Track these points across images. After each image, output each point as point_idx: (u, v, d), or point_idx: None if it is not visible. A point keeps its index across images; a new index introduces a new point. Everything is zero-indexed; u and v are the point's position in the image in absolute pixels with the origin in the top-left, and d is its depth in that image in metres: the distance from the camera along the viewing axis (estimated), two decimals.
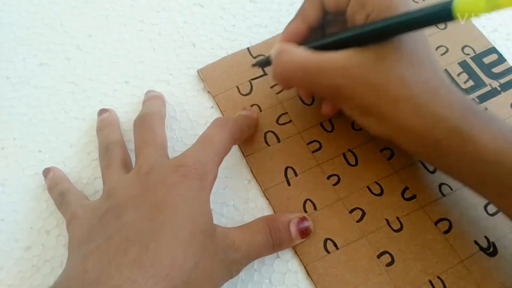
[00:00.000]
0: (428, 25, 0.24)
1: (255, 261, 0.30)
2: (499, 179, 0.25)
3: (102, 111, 0.34)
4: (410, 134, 0.26)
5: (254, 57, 0.37)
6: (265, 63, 0.32)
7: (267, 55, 0.36)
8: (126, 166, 0.31)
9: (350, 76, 0.26)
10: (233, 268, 0.27)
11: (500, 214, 0.30)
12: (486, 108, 0.33)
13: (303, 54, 0.28)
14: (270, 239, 0.28)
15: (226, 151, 0.29)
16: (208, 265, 0.24)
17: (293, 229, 0.29)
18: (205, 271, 0.24)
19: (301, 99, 0.35)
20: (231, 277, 0.27)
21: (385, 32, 0.26)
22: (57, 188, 0.31)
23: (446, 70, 0.36)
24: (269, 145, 0.33)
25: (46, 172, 0.32)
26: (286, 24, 0.30)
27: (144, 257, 0.22)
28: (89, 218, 0.27)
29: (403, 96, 0.25)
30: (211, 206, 0.31)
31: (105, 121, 0.34)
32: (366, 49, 0.26)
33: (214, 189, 0.32)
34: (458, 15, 0.22)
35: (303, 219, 0.30)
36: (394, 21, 0.25)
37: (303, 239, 0.30)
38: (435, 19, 0.24)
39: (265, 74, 0.36)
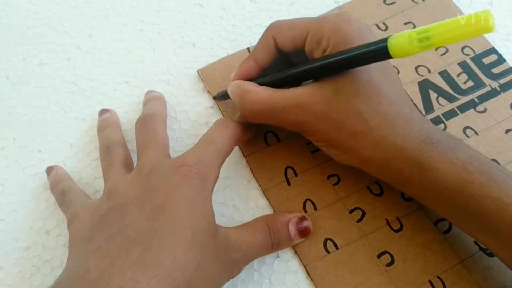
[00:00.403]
0: (369, 62, 0.25)
1: (255, 261, 0.30)
2: (461, 207, 0.25)
3: (103, 111, 0.34)
4: (372, 165, 0.28)
5: None
6: (225, 96, 0.32)
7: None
8: (128, 166, 0.31)
9: (311, 113, 0.27)
10: (234, 268, 0.27)
11: None
12: (445, 129, 0.34)
13: (265, 94, 0.29)
14: (269, 238, 0.28)
15: (228, 152, 0.29)
16: (210, 265, 0.24)
17: (292, 228, 0.29)
18: (207, 271, 0.24)
19: None
20: (232, 277, 0.27)
21: (335, 67, 0.27)
22: (59, 186, 0.31)
23: (446, 70, 0.36)
24: (269, 145, 0.33)
25: (49, 170, 0.32)
26: (240, 63, 0.31)
27: (147, 258, 0.22)
28: (90, 217, 0.27)
29: (360, 131, 0.26)
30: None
31: (106, 121, 0.34)
32: (324, 83, 0.27)
33: (214, 189, 0.32)
34: (393, 53, 0.23)
35: (302, 218, 0.30)
36: (339, 58, 0.26)
37: (303, 239, 0.30)
38: (373, 57, 0.24)
39: None
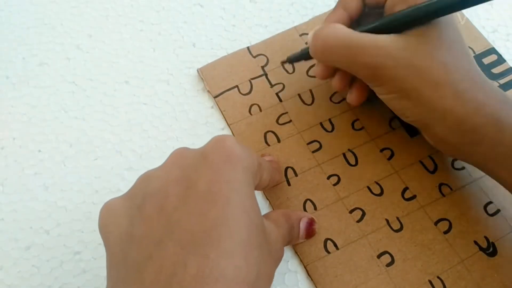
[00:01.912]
0: (470, 5, 0.25)
1: None
2: None
3: None
4: (449, 119, 0.26)
5: (254, 57, 0.37)
6: (301, 57, 0.32)
7: (267, 54, 0.36)
8: None
9: (392, 57, 0.26)
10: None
11: (500, 214, 0.30)
12: None
13: (346, 30, 0.28)
14: (287, 234, 0.27)
15: (265, 166, 0.26)
16: (268, 270, 0.23)
17: (302, 228, 0.29)
18: (266, 277, 0.22)
19: (301, 99, 0.35)
20: None
21: (427, 14, 0.26)
22: None
23: None
24: (269, 145, 0.33)
25: None
26: (328, 13, 0.30)
27: (207, 271, 0.19)
28: (125, 208, 0.23)
29: (445, 81, 0.26)
30: None
31: None
32: (409, 34, 0.26)
33: None
34: None
35: (312, 220, 0.30)
36: (438, 3, 0.25)
37: (306, 240, 0.30)
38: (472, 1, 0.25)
39: (265, 73, 0.36)
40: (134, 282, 0.20)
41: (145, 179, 0.24)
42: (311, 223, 0.29)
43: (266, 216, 0.27)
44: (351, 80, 0.31)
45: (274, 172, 0.28)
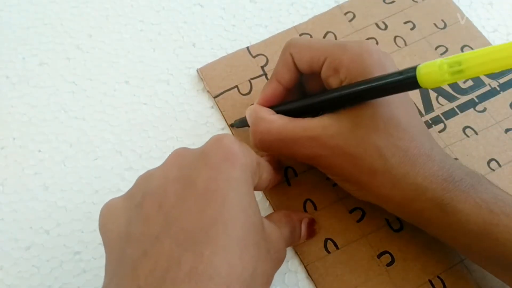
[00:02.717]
0: (395, 92, 0.24)
1: None
2: (486, 249, 0.24)
3: None
4: (391, 204, 0.26)
5: (254, 57, 0.37)
6: (243, 123, 0.32)
7: (267, 54, 0.37)
8: None
9: (327, 147, 0.26)
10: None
11: None
12: (445, 128, 0.33)
13: (279, 123, 0.27)
14: (290, 235, 0.27)
15: (256, 174, 0.26)
16: (265, 268, 0.22)
17: (303, 228, 0.29)
18: (263, 276, 0.22)
19: None
20: None
21: (357, 97, 0.25)
22: None
23: None
24: None
25: None
26: (263, 87, 0.30)
27: (200, 268, 0.19)
28: (124, 207, 0.23)
29: (379, 168, 0.25)
30: None
31: None
32: (342, 116, 0.26)
33: None
34: (422, 83, 0.21)
35: (313, 220, 0.30)
36: (362, 88, 0.25)
37: (305, 240, 0.30)
38: (400, 86, 0.23)
39: (265, 73, 0.36)
40: (129, 278, 0.20)
41: (145, 179, 0.24)
42: (311, 223, 0.29)
43: (268, 217, 0.28)
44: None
45: (274, 171, 0.28)
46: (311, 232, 0.29)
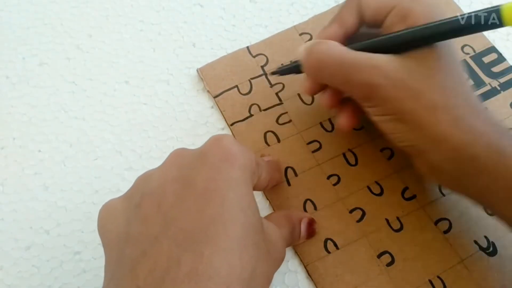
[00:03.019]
0: (474, 31, 0.24)
1: None
2: None
3: None
4: (445, 147, 0.25)
5: (254, 56, 0.37)
6: (289, 70, 0.30)
7: (267, 54, 0.36)
8: None
9: (389, 77, 0.25)
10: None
11: None
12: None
13: (340, 48, 0.27)
14: (289, 235, 0.27)
15: (255, 174, 0.25)
16: (264, 268, 0.22)
17: (303, 228, 0.29)
18: (263, 276, 0.22)
19: (301, 99, 0.35)
20: None
21: (427, 37, 0.25)
22: None
23: None
24: (269, 145, 0.33)
25: None
26: (321, 29, 0.29)
27: (200, 268, 0.19)
28: (123, 208, 0.23)
29: (442, 104, 0.25)
30: None
31: None
32: (407, 56, 0.26)
33: None
34: (507, 21, 0.22)
35: (313, 220, 0.30)
36: (441, 27, 0.25)
37: (305, 240, 0.30)
38: (481, 25, 0.23)
39: (265, 73, 0.36)
40: (128, 279, 0.20)
41: (144, 179, 0.24)
42: (311, 223, 0.29)
43: (267, 217, 0.27)
44: (342, 102, 0.30)
45: (273, 171, 0.28)
46: (311, 231, 0.29)
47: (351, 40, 0.29)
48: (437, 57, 0.25)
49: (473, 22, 0.24)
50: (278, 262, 0.25)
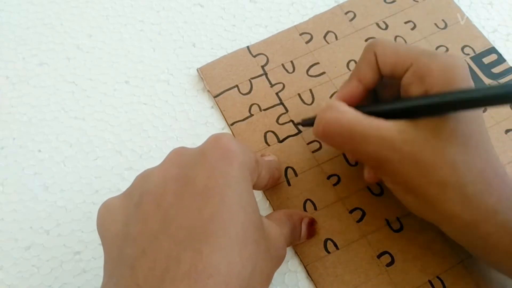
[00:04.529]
0: (490, 106, 0.23)
1: None
2: None
3: None
4: (457, 223, 0.25)
5: (254, 56, 0.37)
6: (311, 123, 0.29)
7: (267, 53, 0.36)
8: None
9: (398, 151, 0.24)
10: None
11: None
12: None
13: (351, 115, 0.26)
14: (290, 234, 0.27)
15: (263, 165, 0.26)
16: (264, 266, 0.22)
17: (304, 228, 0.29)
18: (263, 275, 0.22)
19: (301, 99, 0.35)
20: None
21: (443, 107, 0.24)
22: None
23: None
24: (269, 145, 0.33)
25: None
26: (341, 85, 0.29)
27: (200, 267, 0.19)
28: (122, 206, 0.23)
29: (453, 183, 0.24)
30: None
31: None
32: (419, 124, 0.24)
33: None
34: None
35: (313, 220, 0.30)
36: (454, 97, 0.23)
37: (305, 240, 0.30)
38: (498, 100, 0.22)
39: (265, 73, 0.36)
40: (127, 277, 0.20)
41: (143, 178, 0.24)
42: (312, 223, 0.29)
43: (268, 216, 0.28)
44: None
45: (273, 170, 0.28)
46: (311, 231, 0.29)
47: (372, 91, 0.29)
48: (452, 127, 0.24)
49: (486, 96, 0.22)
50: (278, 260, 0.25)
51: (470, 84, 0.24)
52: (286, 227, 0.27)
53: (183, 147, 0.25)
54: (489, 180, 0.24)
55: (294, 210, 0.30)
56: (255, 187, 0.26)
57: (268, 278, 0.23)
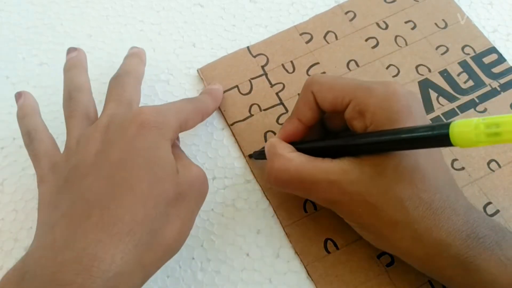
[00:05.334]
0: (424, 147, 0.23)
1: (255, 261, 0.30)
2: None
3: (70, 50, 0.33)
4: (411, 258, 0.26)
5: (254, 56, 0.37)
6: (262, 156, 0.30)
7: (267, 54, 0.36)
8: (89, 116, 0.30)
9: (346, 193, 0.25)
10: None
11: (499, 215, 0.30)
12: (487, 213, 0.31)
13: (297, 162, 0.26)
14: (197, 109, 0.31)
15: (189, 118, 0.29)
16: (175, 211, 0.25)
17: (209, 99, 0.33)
18: (172, 217, 0.25)
19: None
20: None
21: (383, 147, 0.24)
22: (25, 123, 0.31)
23: (446, 70, 0.36)
24: None
25: (17, 96, 0.32)
26: (282, 126, 0.30)
27: (106, 218, 0.23)
28: (55, 180, 0.27)
29: (401, 221, 0.24)
30: (211, 206, 0.32)
31: (71, 61, 0.33)
32: (364, 162, 0.25)
33: (214, 189, 0.32)
34: (455, 142, 0.20)
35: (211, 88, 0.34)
36: (390, 138, 0.24)
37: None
38: (430, 142, 0.22)
39: (265, 73, 0.36)
40: (48, 235, 0.24)
41: (72, 150, 0.28)
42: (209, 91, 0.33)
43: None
44: None
45: (203, 109, 0.31)
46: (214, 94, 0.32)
47: (319, 124, 0.30)
48: (395, 164, 0.24)
49: (420, 138, 0.22)
50: (200, 195, 0.27)
51: (409, 113, 0.25)
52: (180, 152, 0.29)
53: (114, 116, 0.28)
54: (438, 212, 0.24)
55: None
56: (187, 128, 0.29)
57: (184, 218, 0.26)
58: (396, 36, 0.37)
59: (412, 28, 0.38)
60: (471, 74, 0.36)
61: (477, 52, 0.36)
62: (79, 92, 0.31)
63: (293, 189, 0.28)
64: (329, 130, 0.31)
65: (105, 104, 0.30)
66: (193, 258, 0.30)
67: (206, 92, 0.34)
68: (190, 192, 0.26)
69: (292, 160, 0.27)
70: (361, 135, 0.26)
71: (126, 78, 0.31)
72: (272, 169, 0.27)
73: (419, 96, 0.26)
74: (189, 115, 0.29)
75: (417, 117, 0.25)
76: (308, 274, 0.29)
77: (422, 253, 0.24)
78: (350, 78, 0.28)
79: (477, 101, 0.34)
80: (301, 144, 0.29)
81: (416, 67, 0.36)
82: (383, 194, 0.24)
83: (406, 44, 0.37)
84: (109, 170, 0.25)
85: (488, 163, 0.32)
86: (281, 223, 0.31)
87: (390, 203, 0.24)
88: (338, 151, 0.27)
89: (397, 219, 0.24)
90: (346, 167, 0.25)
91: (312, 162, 0.26)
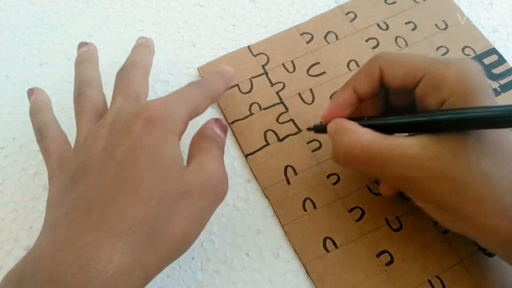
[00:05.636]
0: (510, 126, 0.22)
1: (255, 261, 0.30)
2: None
3: (81, 44, 0.33)
4: (495, 237, 0.24)
5: (255, 55, 0.37)
6: (322, 129, 0.29)
7: (268, 53, 0.36)
8: (99, 112, 0.30)
9: (425, 169, 0.24)
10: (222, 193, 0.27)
11: None
12: None
13: (369, 137, 0.25)
14: (219, 152, 0.28)
15: (198, 105, 0.28)
16: (178, 210, 0.24)
17: (217, 129, 0.29)
18: (174, 216, 0.24)
19: (301, 98, 0.35)
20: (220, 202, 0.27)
21: (465, 124, 0.23)
22: (37, 119, 0.31)
23: None
24: (269, 143, 0.33)
25: (30, 93, 0.32)
26: (336, 93, 0.28)
27: (106, 217, 0.23)
28: (63, 177, 0.27)
29: (488, 195, 0.23)
30: None
31: (82, 56, 0.32)
32: (442, 138, 0.24)
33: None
34: None
35: (217, 120, 0.30)
36: (475, 115, 0.22)
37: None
38: None
39: (265, 72, 0.36)
40: (48, 234, 0.24)
41: (80, 148, 0.27)
42: (217, 121, 0.29)
43: (192, 150, 0.28)
44: None
45: (214, 91, 0.30)
46: (222, 127, 0.30)
47: (384, 100, 0.28)
48: (476, 138, 0.23)
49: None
50: (219, 194, 0.26)
51: (486, 88, 0.24)
52: (210, 149, 0.27)
53: (120, 111, 0.28)
54: None
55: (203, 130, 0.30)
56: (199, 112, 0.28)
57: (189, 217, 0.25)
58: (396, 37, 0.37)
59: (413, 29, 0.38)
60: None
61: (478, 53, 0.37)
62: (89, 87, 0.30)
63: (364, 165, 0.26)
64: (392, 109, 0.29)
65: (112, 98, 0.29)
66: (193, 258, 0.30)
67: (217, 73, 0.33)
68: (200, 191, 0.25)
69: (364, 134, 0.25)
70: (441, 112, 0.24)
71: (133, 69, 0.31)
72: (341, 144, 0.26)
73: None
74: (198, 101, 0.28)
75: (491, 94, 0.24)
76: (307, 272, 0.29)
77: (508, 230, 0.23)
78: (419, 54, 0.27)
79: None
80: (367, 120, 0.27)
81: None
82: (466, 168, 0.23)
83: (407, 45, 0.37)
84: (113, 169, 0.24)
85: None
86: (280, 221, 0.31)
87: (474, 178, 0.23)
88: (409, 130, 0.25)
89: (482, 194, 0.23)
90: (423, 142, 0.24)
91: (386, 137, 0.25)
